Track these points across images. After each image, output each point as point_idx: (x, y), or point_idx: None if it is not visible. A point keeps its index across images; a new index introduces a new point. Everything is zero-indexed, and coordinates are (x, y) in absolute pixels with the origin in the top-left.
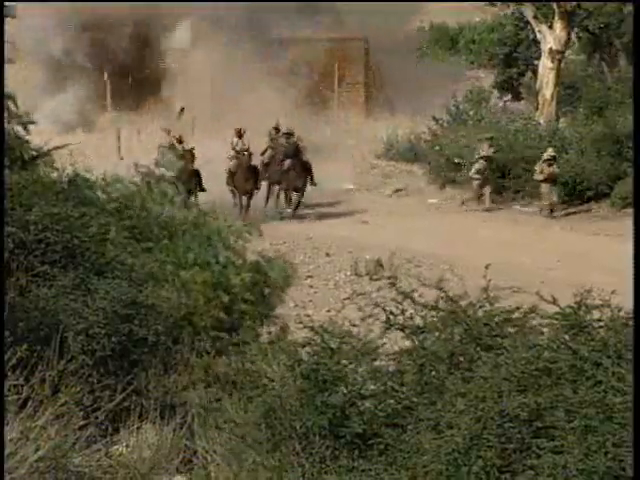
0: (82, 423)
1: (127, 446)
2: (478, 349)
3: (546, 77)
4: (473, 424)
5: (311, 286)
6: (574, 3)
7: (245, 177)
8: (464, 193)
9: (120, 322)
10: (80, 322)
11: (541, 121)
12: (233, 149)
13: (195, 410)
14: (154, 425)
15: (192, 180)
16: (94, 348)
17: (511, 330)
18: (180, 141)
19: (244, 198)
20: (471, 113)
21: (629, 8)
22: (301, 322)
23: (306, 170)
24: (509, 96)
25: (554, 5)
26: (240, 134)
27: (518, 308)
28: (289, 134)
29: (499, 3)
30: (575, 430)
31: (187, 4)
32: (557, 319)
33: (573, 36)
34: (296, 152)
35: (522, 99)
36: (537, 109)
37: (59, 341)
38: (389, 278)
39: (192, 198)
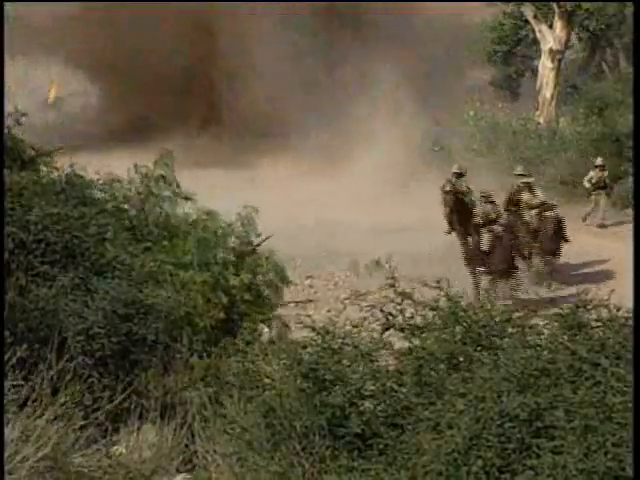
0: (82, 423)
1: (127, 446)
2: (478, 349)
3: (546, 77)
4: (473, 424)
5: None
6: (574, 3)
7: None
8: None
9: (120, 322)
10: (80, 322)
11: (541, 121)
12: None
13: (195, 410)
14: (154, 425)
15: None
16: (94, 348)
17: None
18: None
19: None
20: (471, 113)
21: (630, 9)
22: (301, 322)
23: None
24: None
25: (554, 5)
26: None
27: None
28: (526, 176)
29: (499, 2)
30: (575, 430)
31: None
32: (556, 320)
33: (573, 36)
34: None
35: (518, 98)
36: (537, 109)
37: (59, 341)
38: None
39: None
